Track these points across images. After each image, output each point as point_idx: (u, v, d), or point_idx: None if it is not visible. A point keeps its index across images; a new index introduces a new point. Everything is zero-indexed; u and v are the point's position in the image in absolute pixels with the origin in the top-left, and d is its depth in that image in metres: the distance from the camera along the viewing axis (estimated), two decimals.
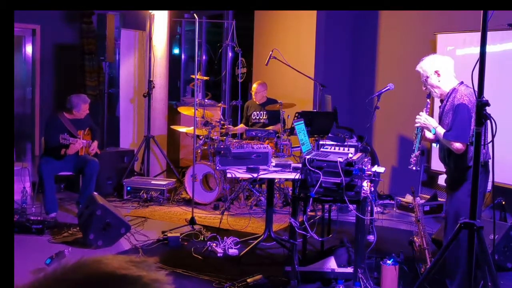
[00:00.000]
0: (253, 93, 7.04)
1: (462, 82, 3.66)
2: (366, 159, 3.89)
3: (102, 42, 7.10)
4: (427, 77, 3.70)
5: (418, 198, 4.56)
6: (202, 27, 9.30)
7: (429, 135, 3.83)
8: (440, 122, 3.70)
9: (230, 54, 8.89)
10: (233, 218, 5.88)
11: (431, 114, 3.82)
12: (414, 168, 3.76)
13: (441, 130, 3.61)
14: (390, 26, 7.23)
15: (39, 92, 8.35)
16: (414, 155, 3.75)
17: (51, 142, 5.65)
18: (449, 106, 3.61)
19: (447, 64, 3.70)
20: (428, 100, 3.80)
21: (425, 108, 3.79)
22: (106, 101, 7.43)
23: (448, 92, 3.65)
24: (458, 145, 3.51)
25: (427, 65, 3.71)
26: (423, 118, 3.72)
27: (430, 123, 3.67)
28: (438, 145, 3.90)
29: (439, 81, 3.66)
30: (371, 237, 4.79)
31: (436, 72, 3.66)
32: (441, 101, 3.77)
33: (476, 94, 2.65)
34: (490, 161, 3.43)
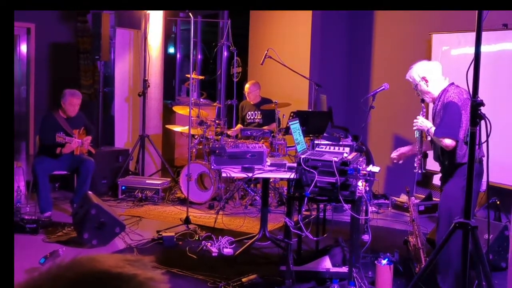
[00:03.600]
0: (246, 94, 7.04)
1: (452, 83, 3.75)
2: (361, 159, 3.90)
3: (97, 41, 7.07)
4: (416, 84, 3.81)
5: (413, 197, 4.57)
6: (197, 26, 9.29)
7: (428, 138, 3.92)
8: (433, 123, 3.79)
9: (225, 53, 8.89)
10: (228, 218, 5.88)
11: (426, 118, 3.93)
12: (419, 171, 3.88)
13: (433, 130, 3.69)
14: (385, 26, 7.25)
15: (34, 91, 8.33)
16: (417, 158, 3.87)
17: (47, 141, 5.62)
18: (440, 106, 3.71)
19: (433, 69, 3.80)
20: (422, 105, 3.92)
21: (421, 113, 3.91)
22: (101, 100, 7.40)
23: (439, 94, 3.74)
24: (447, 141, 3.57)
25: (414, 73, 3.82)
26: (419, 121, 3.82)
27: (426, 125, 3.77)
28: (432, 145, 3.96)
29: (427, 86, 3.77)
30: (366, 237, 4.80)
31: (423, 78, 3.76)
32: (434, 103, 3.84)
33: (471, 94, 2.66)
34: (484, 160, 3.46)
